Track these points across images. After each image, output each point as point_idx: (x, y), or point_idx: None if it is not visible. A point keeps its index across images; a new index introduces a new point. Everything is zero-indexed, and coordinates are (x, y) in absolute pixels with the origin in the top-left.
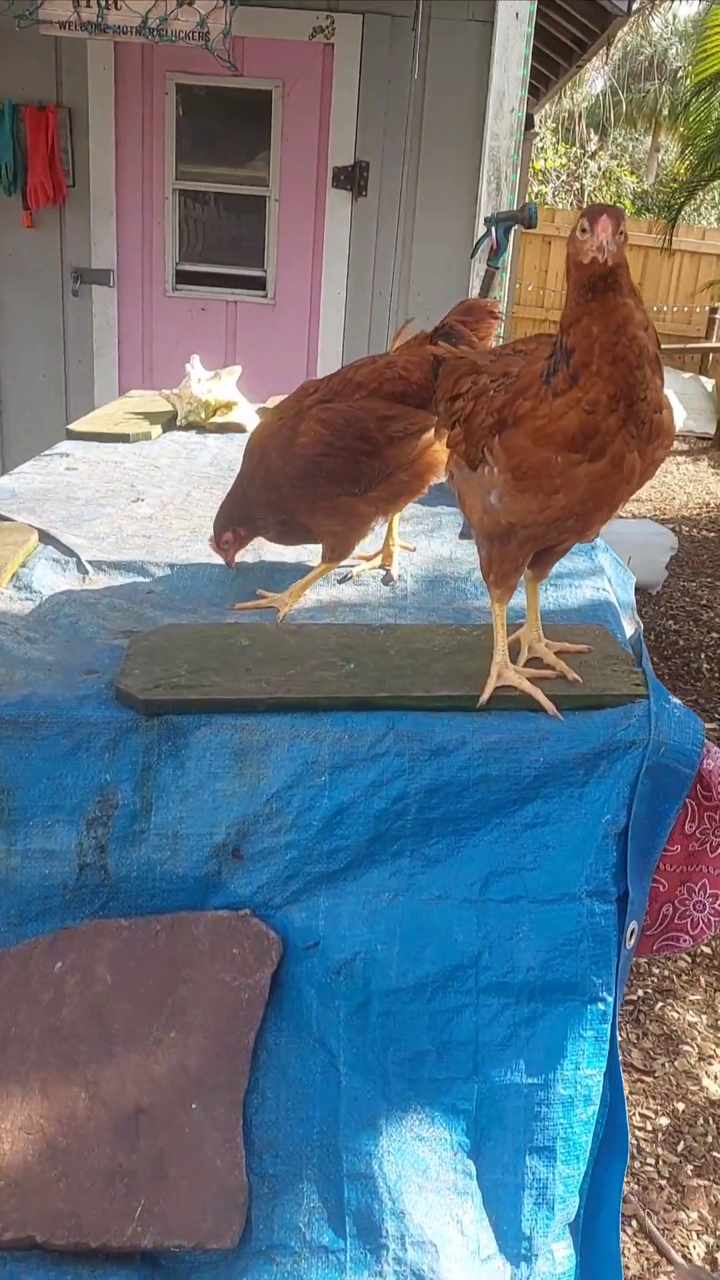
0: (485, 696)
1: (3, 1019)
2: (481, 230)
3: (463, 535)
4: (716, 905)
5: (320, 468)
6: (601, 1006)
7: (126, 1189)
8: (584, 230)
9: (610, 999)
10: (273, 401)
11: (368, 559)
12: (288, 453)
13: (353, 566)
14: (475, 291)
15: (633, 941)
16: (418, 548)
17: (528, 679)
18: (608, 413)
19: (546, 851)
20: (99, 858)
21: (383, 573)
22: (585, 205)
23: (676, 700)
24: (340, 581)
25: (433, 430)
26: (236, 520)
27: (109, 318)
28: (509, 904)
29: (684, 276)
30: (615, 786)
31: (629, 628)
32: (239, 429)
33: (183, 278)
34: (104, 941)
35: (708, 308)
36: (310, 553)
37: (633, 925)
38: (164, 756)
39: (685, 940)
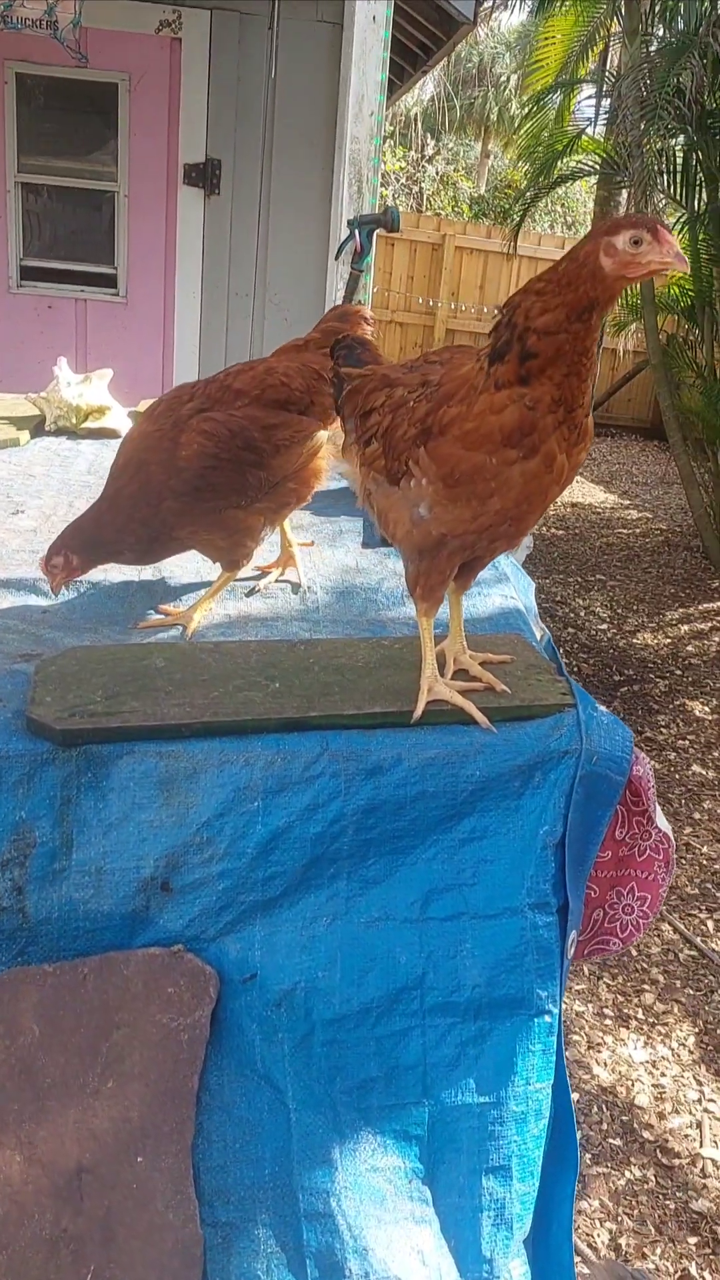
0: (419, 712)
1: None
2: (342, 232)
3: (366, 545)
4: (644, 908)
5: (206, 481)
6: (548, 1019)
7: (73, 1256)
8: (638, 242)
9: (556, 1010)
10: (145, 405)
11: (267, 570)
12: (170, 466)
13: (257, 579)
14: (338, 294)
15: (572, 950)
16: (323, 559)
17: (458, 692)
18: (547, 412)
19: (486, 866)
20: (16, 900)
21: (289, 583)
22: (634, 217)
23: (603, 708)
24: (248, 595)
25: (319, 436)
26: (78, 546)
27: None
28: (451, 921)
29: (522, 280)
30: (551, 797)
31: (538, 634)
32: (113, 434)
33: (27, 274)
34: (27, 990)
35: None
36: (209, 567)
37: (573, 934)
38: (84, 789)
39: (615, 943)
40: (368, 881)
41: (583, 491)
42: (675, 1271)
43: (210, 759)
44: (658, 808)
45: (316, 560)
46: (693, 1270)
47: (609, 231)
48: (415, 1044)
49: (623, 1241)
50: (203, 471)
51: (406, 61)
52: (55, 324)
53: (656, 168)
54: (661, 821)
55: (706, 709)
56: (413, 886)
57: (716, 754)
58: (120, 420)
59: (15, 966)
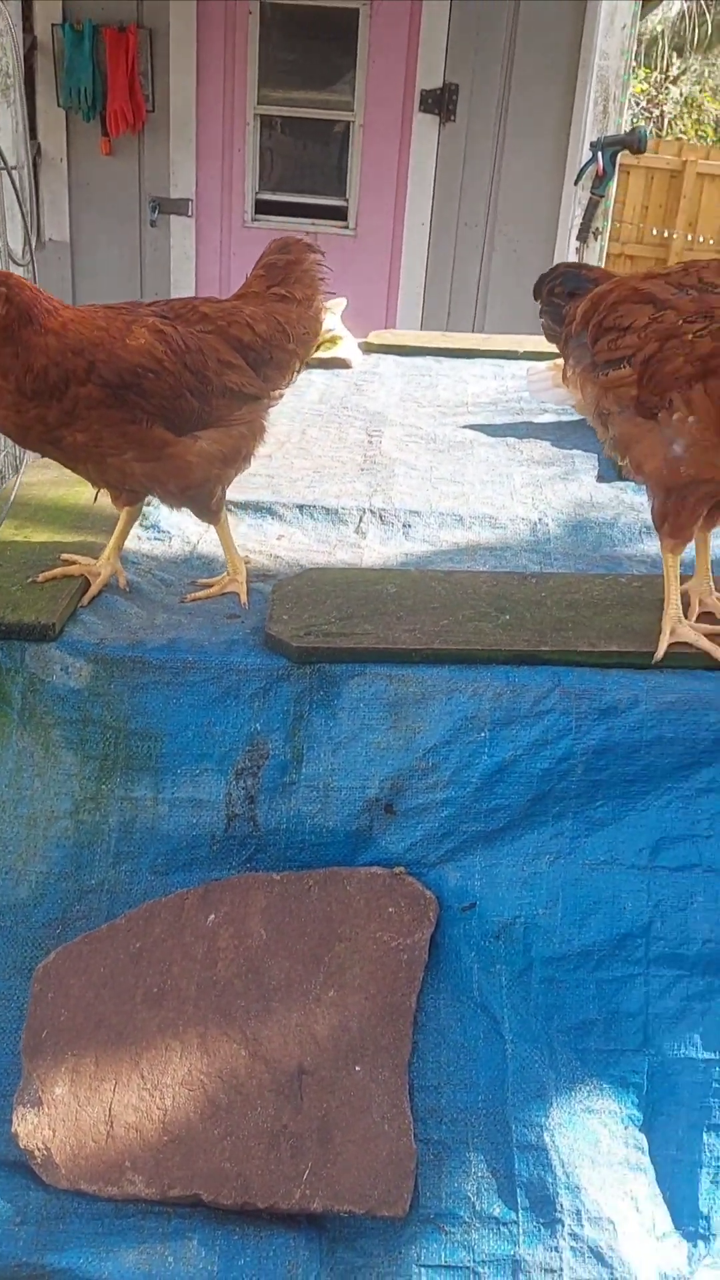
0: (660, 653)
1: (157, 971)
2: (584, 155)
3: (601, 479)
4: None
5: (138, 380)
6: None
7: (292, 1151)
8: None
9: None
10: (375, 337)
11: (210, 583)
12: (110, 350)
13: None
14: (575, 221)
15: None
16: (554, 492)
17: (704, 635)
18: None
19: None
20: (248, 808)
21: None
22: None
23: None
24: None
25: (262, 401)
26: None
27: (187, 249)
28: (682, 872)
29: None
30: None
31: None
32: (343, 364)
33: (262, 207)
34: (256, 895)
35: None
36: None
37: None
38: (315, 706)
39: None
40: (594, 823)
41: None
42: None
43: (439, 686)
44: None
45: (549, 493)
46: None
47: None
48: (638, 992)
49: None
50: (139, 369)
51: None
52: None
53: None
54: None
55: None
56: (642, 833)
57: None
58: (351, 350)
59: (245, 872)
